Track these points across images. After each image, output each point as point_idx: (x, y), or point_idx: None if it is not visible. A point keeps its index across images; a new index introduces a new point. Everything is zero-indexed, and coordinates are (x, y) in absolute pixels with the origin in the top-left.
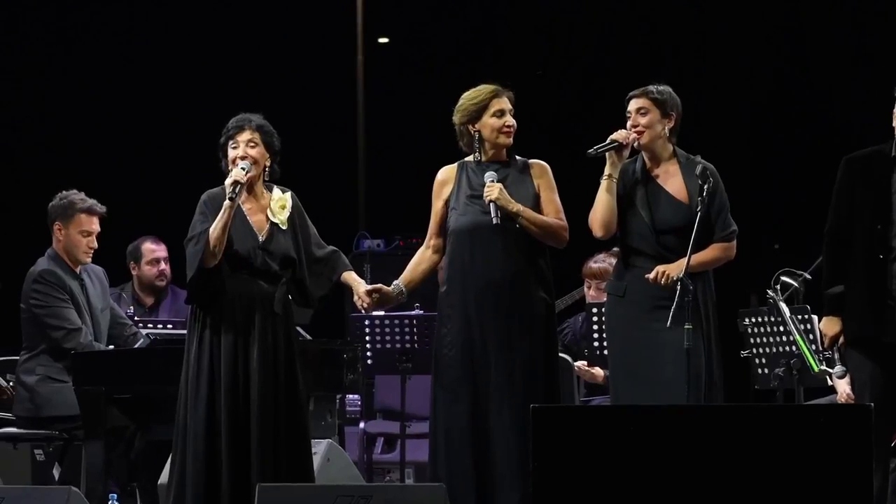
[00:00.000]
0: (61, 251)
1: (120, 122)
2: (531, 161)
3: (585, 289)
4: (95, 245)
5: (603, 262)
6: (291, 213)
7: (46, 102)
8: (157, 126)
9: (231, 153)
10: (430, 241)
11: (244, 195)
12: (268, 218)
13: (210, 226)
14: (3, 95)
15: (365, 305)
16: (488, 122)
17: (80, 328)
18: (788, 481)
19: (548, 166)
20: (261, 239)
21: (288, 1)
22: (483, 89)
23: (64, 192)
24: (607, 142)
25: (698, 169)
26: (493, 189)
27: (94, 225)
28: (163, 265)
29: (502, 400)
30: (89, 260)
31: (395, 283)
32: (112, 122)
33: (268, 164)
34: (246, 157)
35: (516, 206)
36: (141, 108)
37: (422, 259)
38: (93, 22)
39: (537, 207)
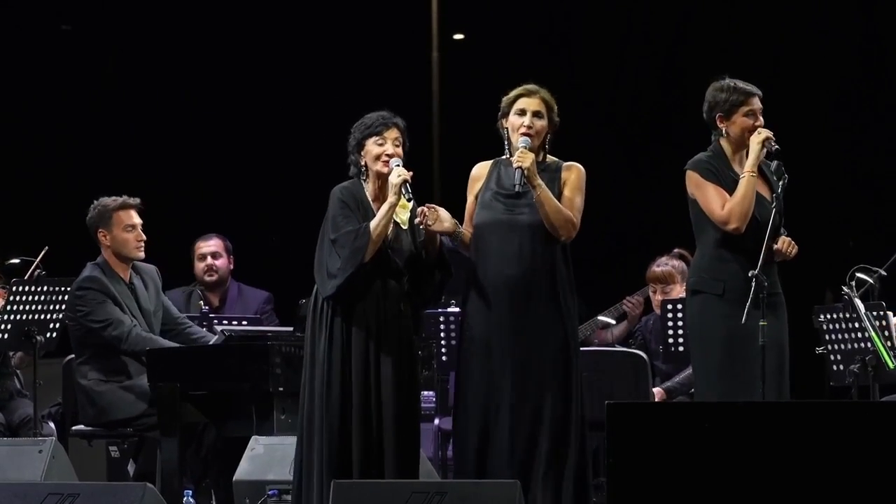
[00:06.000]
0: (110, 257)
1: (190, 118)
2: (566, 163)
3: (651, 293)
4: (143, 237)
5: (666, 265)
6: (410, 213)
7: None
8: (229, 124)
9: (377, 149)
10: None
11: (374, 193)
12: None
13: (367, 222)
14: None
15: (425, 210)
16: (511, 120)
17: (123, 319)
18: (862, 478)
19: (581, 170)
20: (389, 237)
21: None
22: (520, 88)
23: (94, 201)
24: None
25: (773, 165)
26: (525, 157)
27: (134, 218)
28: (209, 260)
29: (511, 401)
30: (142, 254)
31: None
32: (180, 119)
33: None
34: (399, 155)
35: (539, 181)
36: (210, 104)
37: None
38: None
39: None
